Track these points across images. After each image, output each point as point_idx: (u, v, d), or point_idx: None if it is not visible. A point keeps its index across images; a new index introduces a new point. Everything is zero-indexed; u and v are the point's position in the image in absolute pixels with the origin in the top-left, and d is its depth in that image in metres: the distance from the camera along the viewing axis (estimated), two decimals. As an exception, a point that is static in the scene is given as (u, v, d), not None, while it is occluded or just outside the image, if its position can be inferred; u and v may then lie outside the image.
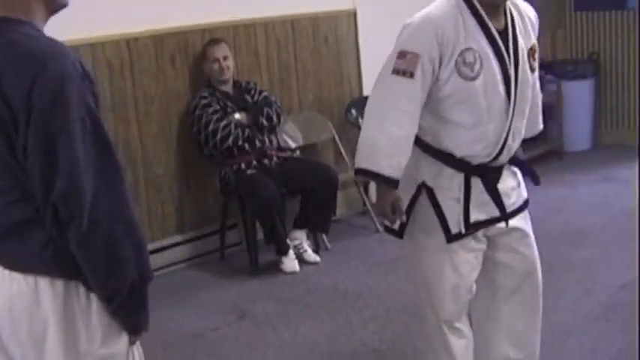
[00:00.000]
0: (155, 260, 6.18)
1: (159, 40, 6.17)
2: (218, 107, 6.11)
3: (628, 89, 8.95)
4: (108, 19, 5.85)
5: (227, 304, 5.56)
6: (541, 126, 3.80)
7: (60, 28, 5.44)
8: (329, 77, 7.27)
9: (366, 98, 7.31)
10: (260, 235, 6.15)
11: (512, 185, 3.58)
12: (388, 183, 3.33)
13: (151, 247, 6.16)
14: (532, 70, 3.46)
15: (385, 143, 3.31)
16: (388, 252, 6.30)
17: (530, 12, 3.55)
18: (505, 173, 3.55)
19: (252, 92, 6.37)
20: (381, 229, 6.81)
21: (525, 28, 3.45)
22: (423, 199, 3.47)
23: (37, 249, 2.21)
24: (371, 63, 7.44)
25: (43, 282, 2.22)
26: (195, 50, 6.36)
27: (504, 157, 3.46)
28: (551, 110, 8.79)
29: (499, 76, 3.31)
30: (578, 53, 9.18)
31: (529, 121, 3.58)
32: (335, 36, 7.25)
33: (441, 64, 3.26)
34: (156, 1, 6.12)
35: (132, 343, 2.40)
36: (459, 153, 3.40)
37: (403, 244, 6.41)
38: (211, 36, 6.37)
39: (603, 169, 8.06)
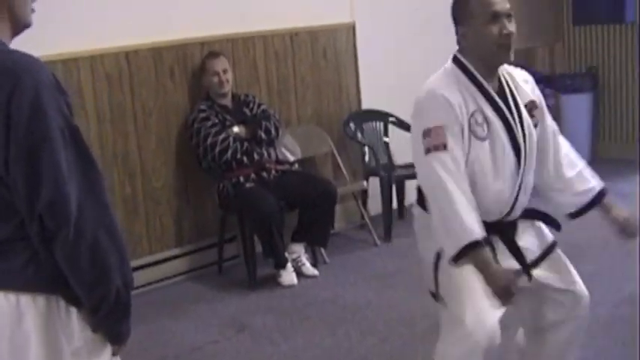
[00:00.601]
0: (153, 273, 6.19)
1: (158, 52, 6.17)
2: (217, 120, 6.11)
3: (626, 103, 8.96)
4: (107, 32, 5.86)
5: (225, 317, 5.55)
6: (599, 183, 3.65)
7: (58, 41, 5.51)
8: (328, 90, 7.27)
9: (365, 112, 7.36)
10: (258, 249, 6.14)
11: (531, 237, 3.55)
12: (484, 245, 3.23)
13: (149, 259, 6.17)
14: (535, 125, 3.46)
15: (460, 212, 3.19)
16: (387, 265, 6.30)
17: (524, 76, 3.57)
18: (522, 227, 3.51)
19: (251, 105, 6.37)
20: (379, 242, 6.82)
21: (517, 87, 3.47)
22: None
23: (19, 267, 2.18)
24: (370, 76, 7.46)
25: (25, 299, 2.19)
26: (194, 63, 6.36)
27: (517, 212, 3.46)
28: (550, 124, 8.80)
29: (504, 136, 3.34)
30: (576, 67, 9.20)
31: (571, 187, 3.57)
32: (334, 49, 7.25)
33: (463, 129, 3.28)
34: (155, 14, 6.12)
35: (115, 353, 2.37)
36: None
37: (402, 257, 6.43)
38: (210, 49, 6.37)
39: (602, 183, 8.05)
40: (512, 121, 3.34)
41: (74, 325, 2.24)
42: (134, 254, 6.12)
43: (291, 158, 6.55)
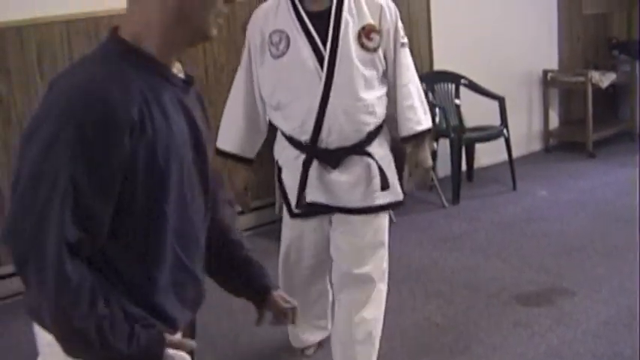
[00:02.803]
0: (220, 227, 6.23)
1: (230, 7, 6.13)
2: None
3: None
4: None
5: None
6: (421, 126, 3.81)
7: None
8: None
9: (437, 73, 7.29)
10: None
11: (353, 181, 3.72)
12: (240, 161, 3.95)
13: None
14: (366, 49, 3.58)
15: (230, 124, 3.90)
16: (454, 227, 6.27)
17: (378, 2, 3.68)
18: (348, 165, 3.70)
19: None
20: (447, 204, 6.79)
21: (359, 9, 3.60)
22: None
23: None
24: (443, 37, 7.40)
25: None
26: (266, 19, 6.35)
27: (332, 138, 3.61)
28: (625, 91, 8.66)
29: (308, 54, 3.55)
30: (654, 34, 9.02)
31: (399, 116, 3.77)
32: (408, 8, 7.16)
33: (260, 48, 3.70)
34: (229, -32, 6.10)
35: None
36: (285, 131, 3.76)
37: (470, 220, 6.41)
38: (283, 6, 6.35)
39: (676, 153, 7.93)
40: (318, 42, 3.55)
41: None
42: (202, 208, 6.18)
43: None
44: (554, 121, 8.59)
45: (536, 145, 8.47)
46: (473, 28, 7.49)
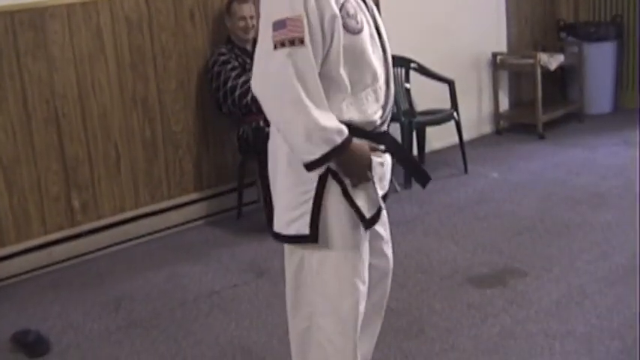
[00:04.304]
0: (172, 217, 6.21)
1: (177, -5, 6.15)
2: (237, 64, 6.07)
3: (651, 52, 8.86)
4: (127, -26, 5.83)
5: (245, 262, 5.55)
6: None
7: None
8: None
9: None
10: (278, 194, 6.12)
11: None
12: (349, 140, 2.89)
13: (168, 204, 6.19)
14: None
15: (313, 117, 2.81)
16: (406, 211, 6.28)
17: None
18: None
19: (272, 50, 6.25)
20: (399, 188, 6.79)
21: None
22: (332, 186, 2.98)
23: None
24: (392, 21, 7.36)
25: None
26: (214, 7, 6.31)
27: (388, 118, 3.13)
28: (573, 72, 8.72)
29: (373, 26, 3.05)
30: (601, 15, 9.08)
31: None
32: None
33: (331, 22, 2.85)
34: (175, -44, 6.09)
35: None
36: (361, 118, 2.98)
37: (422, 204, 6.42)
38: (231, -8, 6.32)
39: (624, 133, 7.98)
40: (374, 14, 3.09)
41: None
42: (153, 198, 6.15)
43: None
44: (504, 104, 8.62)
45: (487, 128, 8.50)
46: (422, 12, 7.50)
